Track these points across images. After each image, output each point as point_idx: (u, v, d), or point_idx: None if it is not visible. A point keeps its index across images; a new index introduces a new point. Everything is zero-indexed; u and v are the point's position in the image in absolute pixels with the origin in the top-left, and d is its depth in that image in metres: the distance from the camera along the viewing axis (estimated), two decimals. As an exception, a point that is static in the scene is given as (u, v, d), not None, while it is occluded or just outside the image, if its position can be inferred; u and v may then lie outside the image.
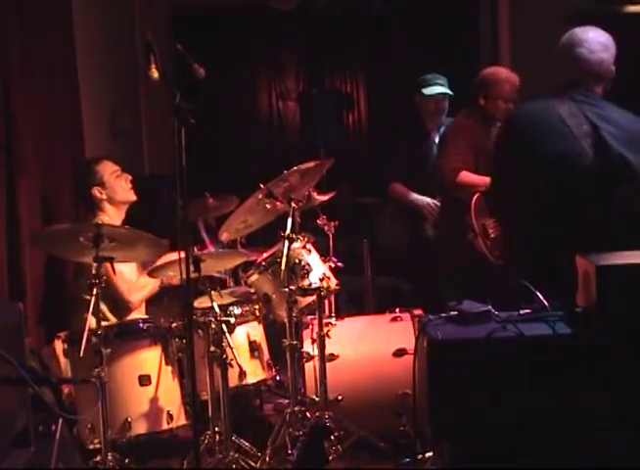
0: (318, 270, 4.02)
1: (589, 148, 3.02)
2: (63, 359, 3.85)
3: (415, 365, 2.77)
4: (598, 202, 3.00)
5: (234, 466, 3.65)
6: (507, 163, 3.23)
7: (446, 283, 4.74)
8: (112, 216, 4.18)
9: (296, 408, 3.91)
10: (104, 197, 4.20)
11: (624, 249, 2.83)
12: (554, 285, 2.78)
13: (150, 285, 4.18)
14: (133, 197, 4.30)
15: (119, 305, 4.09)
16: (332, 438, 3.78)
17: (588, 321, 2.56)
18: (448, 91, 5.24)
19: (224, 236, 4.37)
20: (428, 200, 5.20)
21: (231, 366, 3.68)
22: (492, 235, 4.07)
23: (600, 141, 3.01)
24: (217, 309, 3.67)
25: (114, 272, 3.65)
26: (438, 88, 5.23)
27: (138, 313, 4.23)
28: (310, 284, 3.96)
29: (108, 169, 4.24)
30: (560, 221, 3.03)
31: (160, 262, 4.13)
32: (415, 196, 5.28)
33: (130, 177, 4.32)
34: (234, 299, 4.16)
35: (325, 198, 4.70)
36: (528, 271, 3.01)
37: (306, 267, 3.98)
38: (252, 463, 3.72)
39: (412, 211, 5.32)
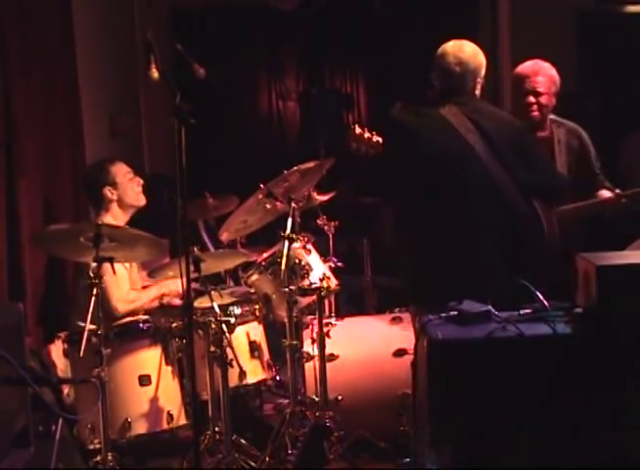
0: (318, 270, 4.02)
1: (474, 142, 3.32)
2: (62, 360, 3.85)
3: (415, 365, 2.77)
4: (488, 191, 3.32)
5: (234, 466, 3.66)
6: (396, 161, 3.49)
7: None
8: (117, 218, 4.16)
9: (296, 408, 3.91)
10: (114, 198, 4.18)
11: (507, 237, 3.28)
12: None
13: (138, 302, 4.14)
14: (143, 201, 4.28)
15: (105, 311, 3.79)
16: (332, 438, 3.78)
17: (588, 321, 2.57)
18: None
19: (224, 236, 4.38)
20: None
21: (231, 366, 3.68)
22: None
23: (483, 135, 3.32)
24: (217, 309, 3.67)
25: (115, 272, 3.65)
26: None
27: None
28: (310, 284, 3.97)
29: (121, 171, 4.23)
30: (451, 212, 3.34)
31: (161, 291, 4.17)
32: None
33: (142, 181, 4.30)
34: (234, 299, 4.16)
35: (325, 198, 4.71)
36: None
37: (306, 267, 3.98)
38: (252, 463, 3.72)
39: None
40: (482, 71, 3.50)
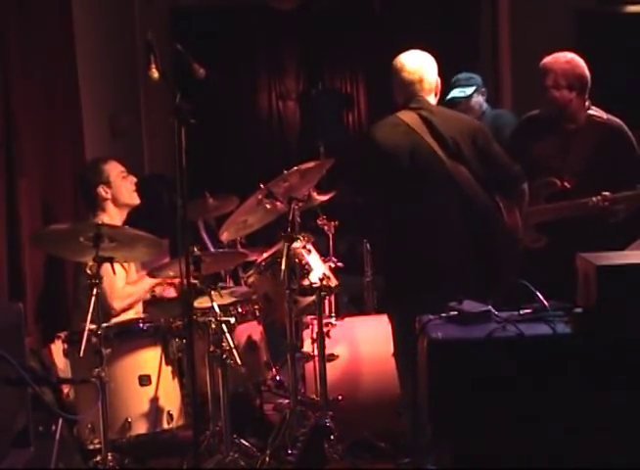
0: (318, 270, 4.02)
1: (429, 139, 3.54)
2: (62, 360, 3.85)
3: (414, 365, 2.77)
4: (444, 180, 3.54)
5: (234, 466, 3.66)
6: (368, 166, 3.75)
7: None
8: (113, 217, 4.18)
9: (296, 408, 3.91)
10: (108, 196, 4.19)
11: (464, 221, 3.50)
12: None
13: (134, 296, 4.15)
14: (137, 200, 4.30)
15: (102, 309, 3.73)
16: (332, 438, 3.78)
17: (588, 321, 2.57)
18: (458, 95, 5.07)
19: (224, 236, 4.38)
20: None
21: (231, 366, 3.68)
22: None
23: (435, 132, 3.54)
24: (217, 309, 3.67)
25: (115, 273, 3.65)
26: (454, 92, 5.10)
27: (138, 313, 4.23)
28: (310, 284, 3.97)
29: (115, 170, 4.24)
30: (414, 201, 3.58)
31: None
32: None
33: (135, 180, 4.32)
34: (234, 299, 4.16)
35: (325, 198, 4.71)
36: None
37: (306, 267, 3.98)
38: (252, 463, 3.72)
39: None
40: (436, 74, 3.70)
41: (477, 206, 3.54)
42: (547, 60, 3.99)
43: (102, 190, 4.19)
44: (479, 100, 5.21)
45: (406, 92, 3.67)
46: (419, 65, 3.68)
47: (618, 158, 3.92)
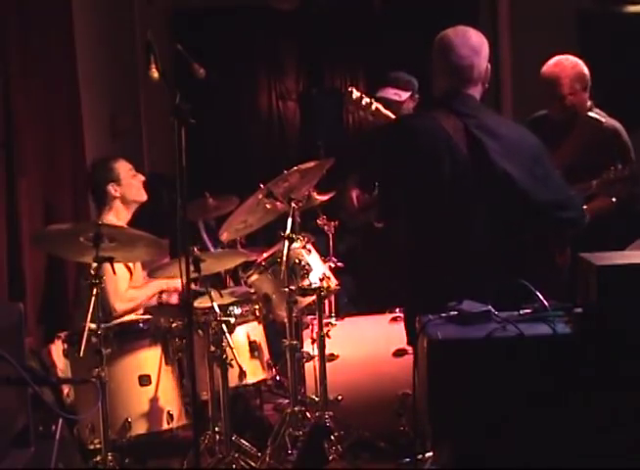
0: (318, 270, 4.02)
1: (475, 164, 2.93)
2: (62, 360, 3.85)
3: (415, 365, 2.77)
4: (481, 218, 2.97)
5: (234, 466, 3.66)
6: (393, 174, 3.18)
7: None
8: (120, 214, 4.21)
9: (296, 408, 3.91)
10: (117, 194, 4.22)
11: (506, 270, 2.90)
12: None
13: (137, 300, 4.15)
14: (144, 197, 4.33)
15: (104, 310, 3.73)
16: (332, 438, 3.78)
17: (588, 321, 2.57)
18: (392, 97, 4.55)
19: (224, 236, 4.38)
20: None
21: (231, 366, 3.68)
22: None
23: (484, 157, 2.91)
24: (217, 309, 3.67)
25: (115, 272, 3.65)
26: (388, 92, 4.60)
27: (138, 313, 4.23)
28: (310, 284, 3.97)
29: (124, 168, 4.28)
30: (442, 231, 3.02)
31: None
32: None
33: (143, 178, 4.36)
34: (234, 299, 4.16)
35: (325, 198, 4.71)
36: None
37: (306, 267, 3.98)
38: (252, 463, 3.72)
39: None
40: (487, 59, 3.07)
41: (520, 246, 3.02)
42: (553, 68, 3.87)
43: (112, 188, 4.21)
44: (409, 107, 4.79)
45: (450, 81, 3.02)
46: (471, 48, 2.99)
47: (609, 158, 3.72)
